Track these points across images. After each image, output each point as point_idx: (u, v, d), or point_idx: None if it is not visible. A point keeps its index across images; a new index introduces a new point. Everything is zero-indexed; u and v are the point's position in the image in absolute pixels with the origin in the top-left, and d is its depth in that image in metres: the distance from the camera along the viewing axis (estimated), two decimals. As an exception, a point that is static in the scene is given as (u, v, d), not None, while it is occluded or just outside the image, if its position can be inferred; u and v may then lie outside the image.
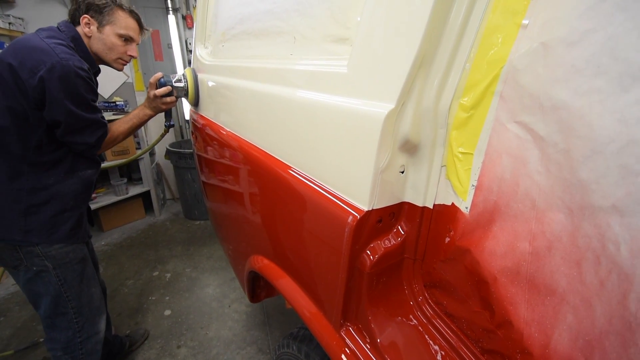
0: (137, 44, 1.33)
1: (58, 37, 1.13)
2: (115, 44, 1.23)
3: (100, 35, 1.21)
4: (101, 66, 1.34)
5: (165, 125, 1.60)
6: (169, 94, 1.36)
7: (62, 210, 1.21)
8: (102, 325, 1.42)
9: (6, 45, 2.39)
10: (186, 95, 1.39)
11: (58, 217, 1.20)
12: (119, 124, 1.33)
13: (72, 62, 1.07)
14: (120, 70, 1.34)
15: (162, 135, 1.72)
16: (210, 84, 1.25)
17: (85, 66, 1.12)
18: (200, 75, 1.36)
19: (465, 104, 0.48)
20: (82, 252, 1.31)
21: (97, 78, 1.32)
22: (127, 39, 1.26)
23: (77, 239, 1.27)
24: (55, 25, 1.19)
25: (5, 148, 1.09)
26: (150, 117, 1.41)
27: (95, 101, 1.19)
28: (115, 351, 1.74)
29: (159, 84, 1.34)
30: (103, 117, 1.24)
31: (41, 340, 1.91)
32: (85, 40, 1.21)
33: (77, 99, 1.10)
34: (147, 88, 1.39)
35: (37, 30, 1.14)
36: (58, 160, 1.18)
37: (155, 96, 1.34)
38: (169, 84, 1.34)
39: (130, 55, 1.30)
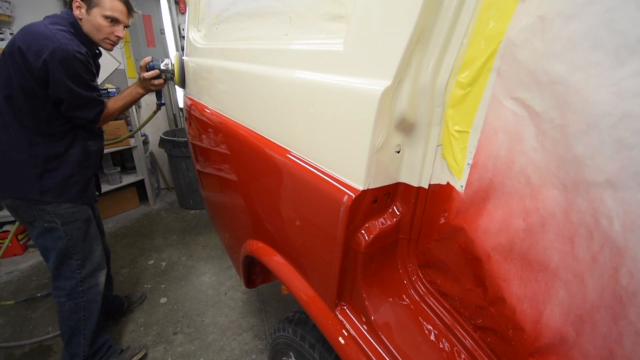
0: (127, 26, 1.41)
1: (60, 23, 1.28)
2: (101, 25, 1.33)
3: (88, 17, 1.31)
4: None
5: (156, 104, 1.74)
6: (158, 77, 1.50)
7: (70, 174, 1.39)
8: (102, 279, 1.58)
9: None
10: (172, 78, 1.51)
11: (67, 180, 1.38)
12: (114, 101, 1.48)
13: (71, 46, 1.21)
14: (109, 50, 1.45)
15: (155, 112, 1.83)
16: (203, 66, 1.23)
17: (83, 50, 1.26)
18: (190, 59, 1.42)
19: (462, 81, 0.48)
20: (87, 213, 1.49)
21: (100, 60, 1.51)
22: (114, 20, 1.35)
23: (84, 200, 1.47)
24: (59, 13, 1.33)
25: (22, 121, 1.28)
26: (142, 95, 1.54)
27: (93, 81, 1.35)
28: (114, 309, 1.96)
29: (148, 67, 1.48)
30: (100, 95, 1.39)
31: (38, 295, 2.14)
32: (79, 23, 1.32)
33: (76, 79, 1.25)
34: (138, 71, 1.51)
35: (44, 18, 1.30)
36: (66, 132, 1.36)
37: (145, 78, 1.48)
38: (157, 67, 1.48)
39: (117, 36, 1.39)
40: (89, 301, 1.51)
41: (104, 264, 1.60)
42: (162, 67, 1.48)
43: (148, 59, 1.48)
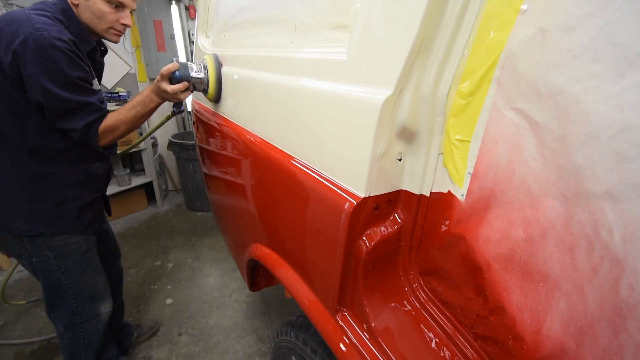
0: (133, 11, 1.13)
1: (44, 9, 1.00)
2: (103, 12, 1.05)
3: (86, 2, 1.04)
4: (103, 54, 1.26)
5: (172, 111, 1.29)
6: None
7: (64, 199, 1.14)
8: (103, 309, 1.37)
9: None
10: (205, 91, 1.15)
11: (61, 206, 1.14)
12: (121, 111, 1.12)
13: (49, 32, 0.92)
14: (115, 42, 1.16)
15: (168, 118, 1.39)
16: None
17: (66, 37, 0.96)
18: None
19: (463, 91, 0.48)
20: (87, 243, 1.25)
21: (110, 64, 1.20)
22: (118, 5, 1.07)
23: (83, 230, 1.22)
24: None
25: (2, 133, 1.02)
26: (158, 104, 1.14)
27: (85, 80, 1.03)
28: (122, 338, 1.74)
29: (174, 79, 1.06)
30: (102, 101, 1.09)
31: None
32: (74, 10, 1.06)
33: (57, 76, 0.95)
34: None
35: (32, 4, 1.04)
36: (63, 150, 1.10)
37: (168, 92, 1.07)
38: (186, 78, 1.07)
39: (124, 24, 1.10)
40: (89, 331, 1.33)
41: (107, 294, 1.38)
42: (193, 75, 1.09)
43: (172, 66, 1.05)
